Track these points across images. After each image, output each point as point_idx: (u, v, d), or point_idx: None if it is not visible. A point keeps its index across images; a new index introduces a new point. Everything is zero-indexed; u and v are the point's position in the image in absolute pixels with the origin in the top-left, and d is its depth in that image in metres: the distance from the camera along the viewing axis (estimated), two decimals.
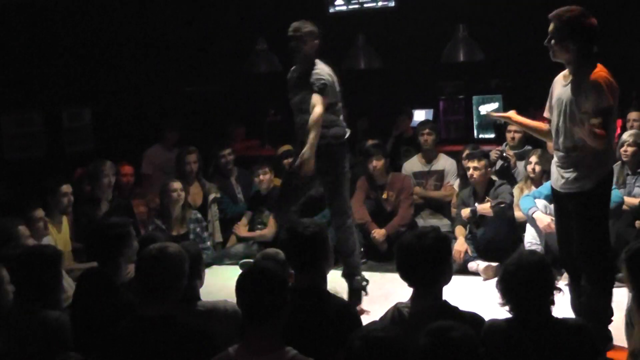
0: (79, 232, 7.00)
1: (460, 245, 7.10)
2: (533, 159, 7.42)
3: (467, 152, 7.57)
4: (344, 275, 6.15)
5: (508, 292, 3.45)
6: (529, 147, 8.03)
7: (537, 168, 7.37)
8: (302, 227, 3.82)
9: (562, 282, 6.22)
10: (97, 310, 4.19)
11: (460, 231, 7.31)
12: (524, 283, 3.39)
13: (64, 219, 6.86)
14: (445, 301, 3.47)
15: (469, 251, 7.09)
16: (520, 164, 7.97)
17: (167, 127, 9.12)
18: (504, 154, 7.94)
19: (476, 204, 7.25)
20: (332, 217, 6.20)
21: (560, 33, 4.69)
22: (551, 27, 4.73)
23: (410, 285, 3.50)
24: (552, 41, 4.73)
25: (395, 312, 3.49)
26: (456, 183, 8.12)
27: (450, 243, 3.60)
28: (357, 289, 6.07)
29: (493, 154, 7.79)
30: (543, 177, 7.36)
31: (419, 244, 3.42)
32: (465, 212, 7.27)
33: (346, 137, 6.12)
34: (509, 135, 8.20)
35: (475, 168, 7.27)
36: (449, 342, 2.76)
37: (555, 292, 3.44)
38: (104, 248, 4.49)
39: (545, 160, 7.44)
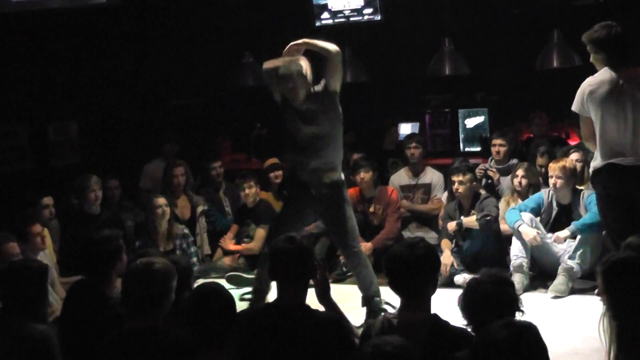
0: (67, 246, 6.96)
1: (446, 259, 7.10)
2: (520, 172, 7.44)
3: (453, 166, 7.59)
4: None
5: (467, 306, 3.44)
6: (515, 161, 8.07)
7: (524, 181, 7.40)
8: (299, 237, 3.83)
9: (549, 295, 6.31)
10: (87, 323, 4.17)
11: (446, 244, 7.32)
12: (481, 299, 3.37)
13: (46, 232, 6.82)
14: (435, 314, 3.47)
15: (455, 264, 7.10)
16: (505, 179, 7.99)
17: (165, 140, 9.08)
18: (487, 172, 7.97)
19: (462, 217, 7.27)
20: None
21: (591, 50, 5.49)
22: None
23: (399, 295, 3.51)
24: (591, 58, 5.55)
25: (385, 323, 3.49)
26: (444, 196, 8.14)
27: (438, 253, 3.61)
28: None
29: (478, 172, 7.83)
30: (529, 190, 7.39)
31: (410, 254, 3.42)
32: (452, 225, 7.29)
33: None
34: (494, 150, 8.23)
35: (460, 182, 7.30)
36: (383, 355, 2.79)
37: (518, 312, 3.42)
38: (96, 261, 4.49)
39: (531, 173, 7.47)
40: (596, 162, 5.51)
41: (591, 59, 5.54)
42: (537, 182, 7.52)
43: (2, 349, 3.92)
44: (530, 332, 2.78)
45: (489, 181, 7.94)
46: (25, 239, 5.99)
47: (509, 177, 7.82)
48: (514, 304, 3.43)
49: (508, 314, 3.33)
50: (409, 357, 2.82)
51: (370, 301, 6.03)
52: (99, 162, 9.35)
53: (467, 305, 3.43)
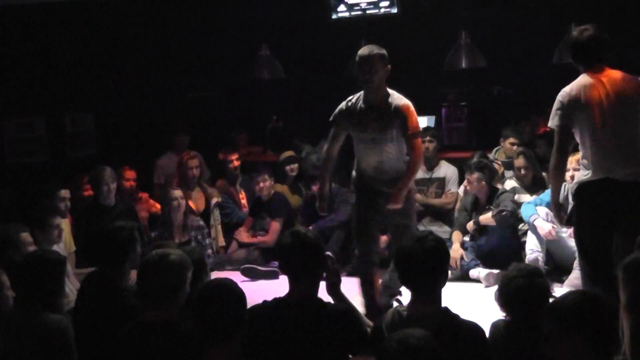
0: (81, 238, 7.00)
1: (455, 252, 7.07)
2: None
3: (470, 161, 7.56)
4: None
5: (504, 302, 3.65)
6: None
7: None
8: (304, 231, 3.84)
9: (564, 290, 6.30)
10: (101, 314, 4.19)
11: (457, 236, 7.31)
12: (516, 291, 3.58)
13: (64, 222, 6.86)
14: (446, 308, 3.47)
15: (465, 257, 7.09)
16: (508, 172, 8.01)
17: (175, 133, 9.08)
18: (493, 164, 7.91)
19: (478, 215, 7.24)
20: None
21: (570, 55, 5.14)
22: None
23: (409, 288, 3.52)
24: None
25: (396, 315, 3.50)
26: (461, 189, 8.12)
27: (447, 247, 3.64)
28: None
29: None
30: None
31: (419, 248, 3.43)
32: (470, 225, 7.28)
33: None
34: (511, 148, 8.16)
35: (469, 181, 7.30)
36: (409, 348, 2.82)
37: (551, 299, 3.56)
38: (110, 252, 4.50)
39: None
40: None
41: None
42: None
43: (18, 338, 3.95)
44: None
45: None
46: (43, 229, 6.02)
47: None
48: (547, 293, 3.63)
49: (542, 303, 3.51)
50: (434, 347, 2.82)
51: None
52: (115, 154, 9.38)
53: (504, 299, 3.65)
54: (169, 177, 8.79)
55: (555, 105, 5.03)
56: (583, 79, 5.03)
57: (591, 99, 4.94)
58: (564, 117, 5.02)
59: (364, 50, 5.54)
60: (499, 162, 8.01)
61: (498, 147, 8.36)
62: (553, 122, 5.07)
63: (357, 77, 5.57)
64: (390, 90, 5.66)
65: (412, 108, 5.63)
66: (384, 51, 5.57)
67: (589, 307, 2.91)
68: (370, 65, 5.46)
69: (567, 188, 6.85)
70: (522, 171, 7.50)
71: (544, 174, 7.81)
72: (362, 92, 5.67)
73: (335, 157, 5.99)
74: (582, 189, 5.09)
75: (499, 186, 7.54)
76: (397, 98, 5.63)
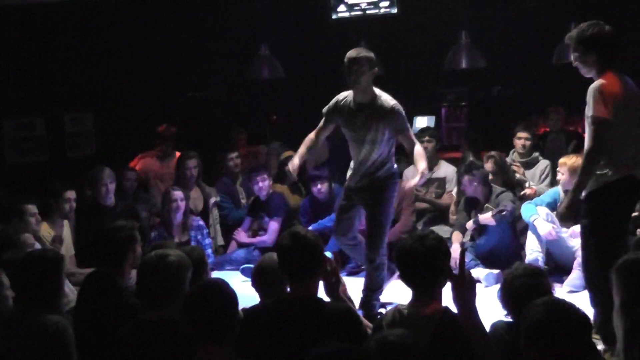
0: (80, 238, 6.99)
1: (455, 252, 7.05)
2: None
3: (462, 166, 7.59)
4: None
5: (508, 300, 3.66)
6: (537, 154, 8.06)
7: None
8: (303, 232, 3.84)
9: (564, 290, 6.30)
10: (101, 313, 4.19)
11: (456, 237, 7.31)
12: (519, 290, 3.58)
13: (66, 224, 6.86)
14: (446, 307, 3.48)
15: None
16: (529, 172, 7.99)
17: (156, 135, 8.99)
18: (512, 166, 7.90)
19: (478, 215, 7.24)
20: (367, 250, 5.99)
21: (578, 52, 4.91)
22: (571, 49, 4.99)
23: (410, 287, 3.53)
24: (576, 62, 4.95)
25: (396, 314, 3.50)
26: (454, 190, 8.11)
27: (448, 245, 3.64)
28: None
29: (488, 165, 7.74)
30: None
31: (420, 247, 3.44)
32: (469, 224, 7.28)
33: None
34: (519, 143, 8.14)
35: (464, 184, 7.32)
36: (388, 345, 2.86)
37: None
38: (110, 251, 4.50)
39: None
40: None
41: (576, 62, 4.94)
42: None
43: (16, 339, 3.95)
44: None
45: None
46: (21, 218, 6.04)
47: (533, 170, 7.87)
48: (548, 293, 3.62)
49: None
50: (412, 344, 2.85)
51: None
52: (115, 154, 9.38)
53: (507, 297, 3.67)
54: (151, 179, 8.76)
55: (596, 96, 4.72)
56: (614, 77, 4.82)
57: (630, 95, 4.84)
58: (609, 108, 4.71)
59: (352, 53, 5.69)
60: (517, 164, 8.00)
61: (514, 150, 8.31)
62: (595, 112, 4.74)
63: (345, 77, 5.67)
64: (378, 92, 5.77)
65: (401, 110, 5.73)
66: (372, 54, 5.72)
67: (554, 319, 2.86)
68: (357, 66, 5.60)
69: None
70: (490, 176, 7.51)
71: (518, 175, 7.86)
72: (351, 91, 5.82)
73: (318, 142, 6.08)
74: (608, 189, 4.81)
75: (497, 186, 7.53)
76: (385, 100, 5.73)
